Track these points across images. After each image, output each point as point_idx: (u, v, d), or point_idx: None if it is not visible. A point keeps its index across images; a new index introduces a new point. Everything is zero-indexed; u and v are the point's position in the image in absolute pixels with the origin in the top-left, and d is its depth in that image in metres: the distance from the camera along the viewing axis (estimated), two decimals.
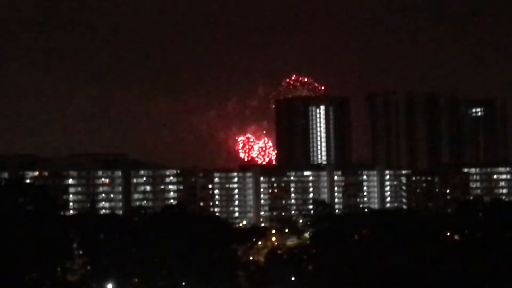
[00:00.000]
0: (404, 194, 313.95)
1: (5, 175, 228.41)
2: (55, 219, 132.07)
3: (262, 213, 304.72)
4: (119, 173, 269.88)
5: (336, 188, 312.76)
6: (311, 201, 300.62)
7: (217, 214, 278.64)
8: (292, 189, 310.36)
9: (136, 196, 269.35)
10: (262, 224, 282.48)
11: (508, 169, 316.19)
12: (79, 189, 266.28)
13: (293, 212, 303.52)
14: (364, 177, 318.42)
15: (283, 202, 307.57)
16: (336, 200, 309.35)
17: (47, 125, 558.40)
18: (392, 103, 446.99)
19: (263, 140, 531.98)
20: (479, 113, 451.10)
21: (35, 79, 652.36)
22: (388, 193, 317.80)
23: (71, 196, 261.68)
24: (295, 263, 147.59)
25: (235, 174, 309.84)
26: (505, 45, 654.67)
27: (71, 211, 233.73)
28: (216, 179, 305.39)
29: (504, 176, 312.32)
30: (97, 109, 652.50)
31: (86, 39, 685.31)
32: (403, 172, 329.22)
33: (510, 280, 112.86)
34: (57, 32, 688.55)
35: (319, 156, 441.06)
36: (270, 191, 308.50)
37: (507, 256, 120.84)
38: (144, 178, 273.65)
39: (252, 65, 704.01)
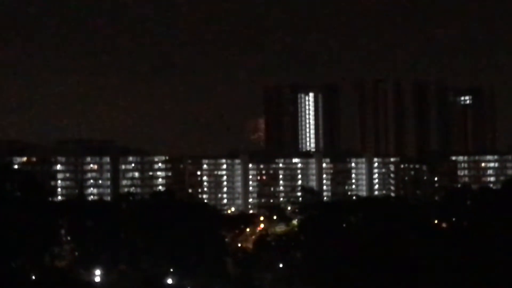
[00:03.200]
0: (392, 181, 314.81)
1: None
2: (43, 205, 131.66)
3: (250, 200, 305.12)
4: (107, 159, 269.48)
5: (324, 176, 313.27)
6: (299, 188, 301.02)
7: (205, 200, 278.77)
8: (281, 176, 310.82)
9: (124, 182, 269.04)
10: (251, 211, 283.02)
11: (495, 157, 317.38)
12: (67, 175, 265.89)
13: (281, 199, 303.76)
14: (353, 164, 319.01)
15: (272, 189, 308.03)
16: (325, 187, 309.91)
17: (35, 111, 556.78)
18: (380, 91, 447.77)
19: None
20: (468, 101, 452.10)
21: (21, 65, 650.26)
22: (376, 180, 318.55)
23: (59, 182, 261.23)
24: (283, 250, 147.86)
25: (224, 161, 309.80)
26: (494, 32, 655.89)
27: (59, 197, 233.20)
28: (205, 166, 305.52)
29: (491, 164, 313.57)
30: (82, 95, 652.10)
31: (71, 24, 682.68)
32: (392, 159, 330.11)
33: (496, 268, 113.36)
34: (42, 17, 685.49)
35: (308, 143, 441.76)
36: (258, 178, 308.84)
37: (494, 244, 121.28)
38: (133, 165, 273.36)
39: (238, 52, 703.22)
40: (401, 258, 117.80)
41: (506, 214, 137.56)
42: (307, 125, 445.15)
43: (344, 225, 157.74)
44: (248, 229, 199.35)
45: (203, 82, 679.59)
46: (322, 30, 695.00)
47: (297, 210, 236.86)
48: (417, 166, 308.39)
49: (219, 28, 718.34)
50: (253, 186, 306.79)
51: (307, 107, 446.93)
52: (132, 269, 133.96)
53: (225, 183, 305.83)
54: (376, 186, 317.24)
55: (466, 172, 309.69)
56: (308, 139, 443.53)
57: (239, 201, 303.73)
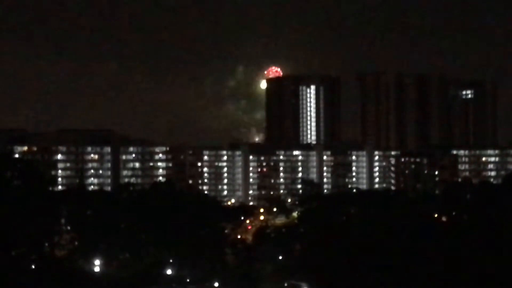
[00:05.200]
0: (392, 175, 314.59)
1: None
2: (43, 194, 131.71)
3: (250, 191, 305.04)
4: (108, 149, 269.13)
5: (325, 168, 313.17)
6: (299, 180, 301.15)
7: (205, 192, 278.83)
8: (281, 168, 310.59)
9: (125, 172, 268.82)
10: (251, 203, 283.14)
11: (496, 151, 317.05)
12: (68, 164, 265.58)
13: (281, 191, 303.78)
14: (353, 157, 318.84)
15: (272, 181, 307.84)
16: (325, 179, 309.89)
17: (36, 100, 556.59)
18: (382, 84, 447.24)
19: None
20: (469, 95, 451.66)
21: (21, 54, 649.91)
22: (377, 173, 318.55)
23: (59, 171, 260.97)
24: (283, 242, 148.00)
25: (225, 152, 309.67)
26: (496, 26, 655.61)
27: (60, 187, 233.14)
28: (206, 157, 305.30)
29: (492, 159, 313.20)
30: (84, 84, 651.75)
31: (69, 13, 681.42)
32: (392, 153, 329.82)
33: (496, 262, 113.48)
34: (42, 5, 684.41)
35: (309, 136, 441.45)
36: (259, 169, 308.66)
37: (494, 238, 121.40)
38: (133, 155, 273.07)
39: (234, 44, 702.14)
40: (401, 251, 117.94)
41: (506, 209, 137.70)
42: (308, 117, 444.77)
43: (344, 217, 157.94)
44: (248, 221, 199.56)
45: (204, 73, 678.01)
46: (323, 22, 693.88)
47: (297, 202, 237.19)
48: (417, 159, 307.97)
49: (220, 17, 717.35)
50: (253, 178, 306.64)
51: (308, 99, 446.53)
52: (131, 259, 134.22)
53: (225, 174, 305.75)
54: (377, 179, 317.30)
55: (466, 166, 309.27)
56: (309, 132, 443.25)
57: (239, 193, 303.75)
